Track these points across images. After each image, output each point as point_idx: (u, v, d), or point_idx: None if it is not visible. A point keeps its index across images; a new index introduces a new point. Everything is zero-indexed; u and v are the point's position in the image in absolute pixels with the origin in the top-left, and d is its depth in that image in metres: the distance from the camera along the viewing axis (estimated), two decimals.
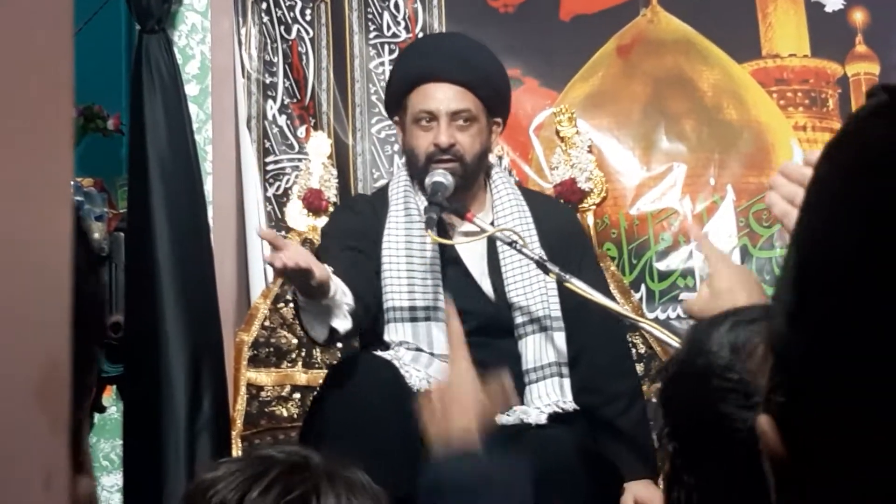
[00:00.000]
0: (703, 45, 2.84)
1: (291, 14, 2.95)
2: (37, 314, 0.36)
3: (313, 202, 2.79)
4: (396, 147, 2.78)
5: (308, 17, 2.95)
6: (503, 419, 1.91)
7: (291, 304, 2.66)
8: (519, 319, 2.10)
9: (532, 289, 2.09)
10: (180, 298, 2.56)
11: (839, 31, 2.81)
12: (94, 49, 2.87)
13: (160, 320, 2.54)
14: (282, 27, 2.94)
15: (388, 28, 2.93)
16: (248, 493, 0.91)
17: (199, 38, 2.95)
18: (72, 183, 0.40)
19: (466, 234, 2.13)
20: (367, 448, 1.84)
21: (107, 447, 3.00)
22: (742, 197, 2.74)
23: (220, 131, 2.90)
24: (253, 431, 2.62)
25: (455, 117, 2.10)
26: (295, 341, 2.67)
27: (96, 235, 2.55)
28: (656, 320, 2.58)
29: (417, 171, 2.13)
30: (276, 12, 2.94)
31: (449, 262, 2.12)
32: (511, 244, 2.04)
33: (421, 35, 2.88)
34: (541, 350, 2.08)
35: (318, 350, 2.62)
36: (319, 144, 2.85)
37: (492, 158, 2.40)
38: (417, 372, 2.00)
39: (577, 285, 1.95)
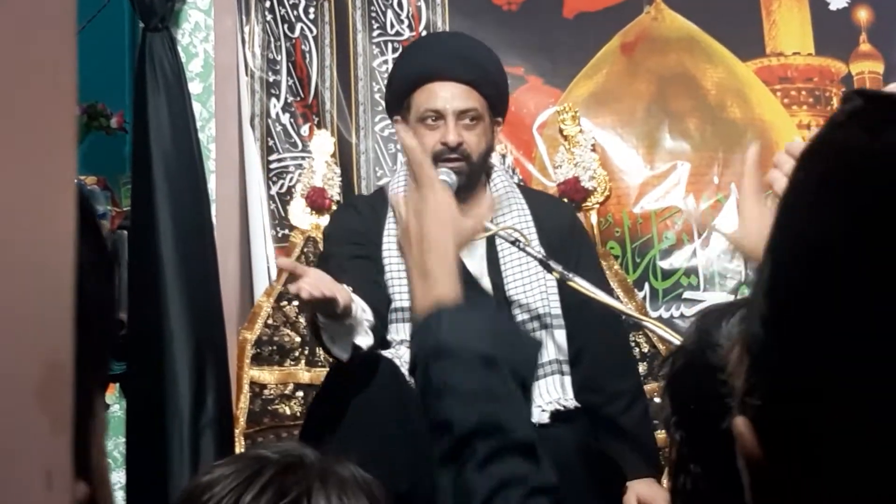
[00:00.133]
0: (707, 43, 2.84)
1: (295, 12, 2.95)
2: (39, 313, 0.36)
3: (316, 200, 2.79)
4: (399, 145, 2.78)
5: (311, 16, 2.95)
6: None
7: (295, 304, 2.67)
8: (519, 317, 2.10)
9: (532, 286, 2.09)
10: (183, 296, 2.56)
11: (843, 29, 2.80)
12: (97, 47, 2.87)
13: (163, 318, 2.54)
14: (285, 25, 2.94)
15: (392, 26, 2.93)
16: (241, 496, 0.91)
17: (202, 36, 2.95)
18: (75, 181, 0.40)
19: None
20: (367, 446, 1.84)
21: (110, 445, 3.01)
22: None
23: (224, 129, 2.90)
24: (256, 429, 2.62)
25: (462, 116, 2.09)
26: (298, 339, 2.67)
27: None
28: (660, 319, 2.57)
29: None
30: (280, 10, 2.94)
31: None
32: (514, 243, 2.03)
33: (424, 33, 2.88)
34: (541, 347, 2.08)
35: (320, 348, 2.62)
36: (323, 143, 2.86)
37: (495, 157, 2.40)
38: None
39: (580, 284, 1.94)
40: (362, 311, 1.88)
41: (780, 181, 1.18)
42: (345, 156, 2.88)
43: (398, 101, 2.20)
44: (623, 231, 2.77)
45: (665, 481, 2.09)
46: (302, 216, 2.82)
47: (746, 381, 0.57)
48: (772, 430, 0.55)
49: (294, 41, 2.94)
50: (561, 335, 2.10)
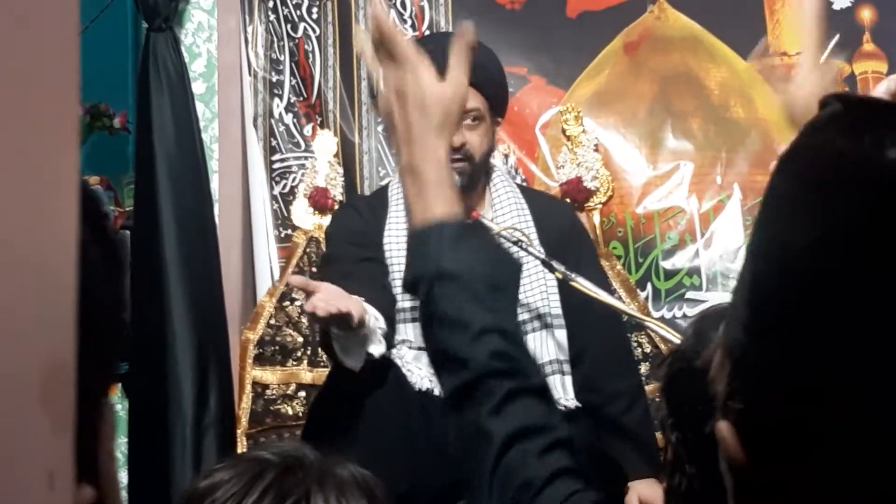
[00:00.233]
0: (711, 43, 2.84)
1: (298, 12, 2.95)
2: (41, 313, 0.36)
3: (319, 200, 2.79)
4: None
5: (314, 15, 2.95)
6: None
7: (298, 304, 2.67)
8: (519, 317, 2.10)
9: (532, 286, 2.09)
10: (186, 296, 2.56)
11: (847, 28, 2.80)
12: (100, 47, 2.87)
13: (166, 318, 2.54)
14: (288, 25, 2.94)
15: (395, 26, 2.93)
16: (241, 501, 0.91)
17: (205, 37, 2.95)
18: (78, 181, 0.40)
19: None
20: (367, 446, 1.84)
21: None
22: (749, 195, 2.74)
23: (227, 129, 2.90)
24: (258, 429, 2.62)
25: (464, 117, 2.09)
26: (300, 340, 2.67)
27: None
28: (662, 319, 2.57)
29: None
30: (283, 10, 2.94)
31: None
32: (516, 243, 2.03)
33: (428, 33, 2.87)
34: (542, 347, 2.08)
35: (327, 357, 2.62)
36: (326, 143, 2.85)
37: (498, 157, 2.40)
38: (419, 370, 2.00)
39: (583, 284, 1.94)
40: (375, 320, 1.88)
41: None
42: (348, 156, 2.87)
43: None
44: (626, 231, 2.77)
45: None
46: (305, 216, 2.82)
47: (728, 385, 0.57)
48: (754, 433, 0.55)
49: (297, 41, 2.94)
50: (561, 335, 2.10)
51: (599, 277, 2.21)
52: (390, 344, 1.95)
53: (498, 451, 0.92)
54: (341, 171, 2.84)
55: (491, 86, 2.15)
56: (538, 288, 2.09)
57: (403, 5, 2.93)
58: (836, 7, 2.78)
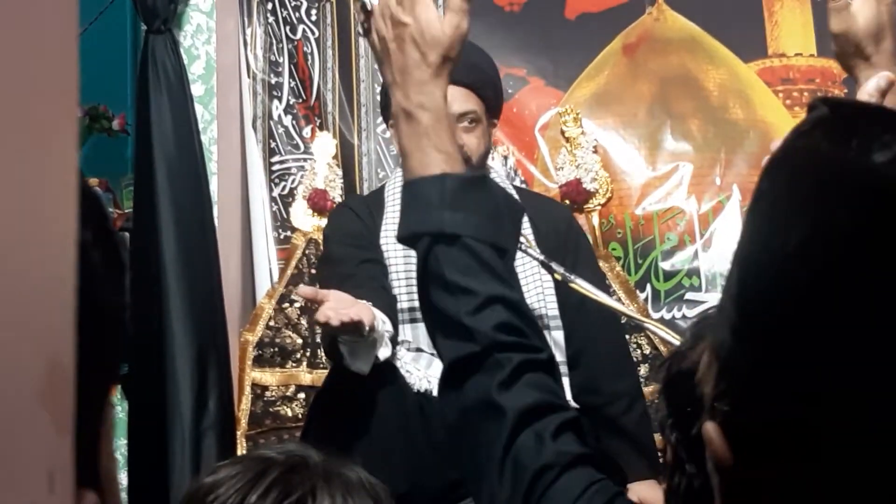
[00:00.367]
0: (710, 45, 2.84)
1: (297, 14, 2.95)
2: (41, 315, 0.36)
3: (318, 202, 2.79)
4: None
5: (313, 18, 2.95)
6: None
7: (297, 306, 2.67)
8: None
9: (528, 287, 2.09)
10: (185, 298, 2.56)
11: None
12: (99, 49, 2.88)
13: (165, 320, 2.54)
14: (287, 27, 2.94)
15: None
16: (246, 496, 0.91)
17: (204, 39, 2.95)
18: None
19: None
20: (366, 446, 1.84)
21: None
22: (748, 196, 2.72)
23: (226, 131, 2.90)
24: (258, 431, 2.62)
25: (461, 119, 2.09)
26: (300, 341, 2.67)
27: None
28: (661, 320, 2.57)
29: None
30: (282, 12, 2.94)
31: None
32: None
33: None
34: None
35: (322, 350, 2.62)
36: (325, 144, 2.86)
37: (498, 159, 2.40)
38: (418, 371, 2.00)
39: (582, 285, 1.94)
40: (382, 324, 1.88)
41: None
42: (347, 157, 2.88)
43: None
44: (625, 232, 2.77)
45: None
46: (304, 218, 2.82)
47: (715, 386, 0.58)
48: (740, 434, 0.56)
49: (296, 43, 2.94)
50: (559, 337, 2.10)
51: (596, 279, 2.21)
52: (394, 346, 1.96)
53: (512, 427, 0.90)
54: (340, 172, 2.84)
55: (487, 88, 2.15)
56: (535, 289, 2.09)
57: None
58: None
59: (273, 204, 2.88)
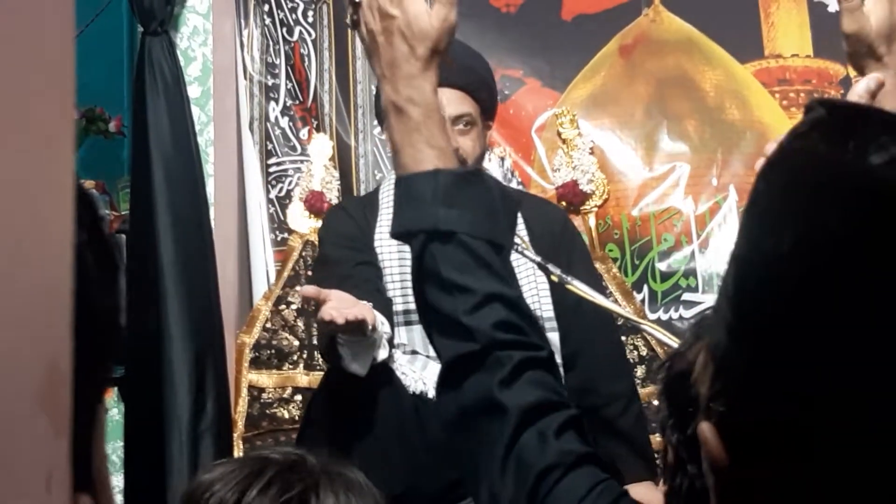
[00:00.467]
0: (706, 45, 2.84)
1: (293, 16, 2.95)
2: (38, 317, 0.36)
3: (315, 204, 2.79)
4: None
5: (310, 19, 2.95)
6: None
7: (294, 308, 2.67)
8: None
9: (523, 289, 2.08)
10: (182, 300, 2.56)
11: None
12: (96, 51, 2.88)
13: (162, 322, 2.54)
14: (284, 29, 2.94)
15: None
16: (246, 491, 0.91)
17: (200, 40, 2.95)
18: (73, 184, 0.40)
19: None
20: (362, 448, 1.84)
21: (108, 449, 3.00)
22: (745, 197, 2.73)
23: (222, 133, 2.90)
24: (254, 433, 2.62)
25: (456, 121, 2.09)
26: (296, 343, 2.67)
27: None
28: (658, 321, 2.57)
29: None
30: (279, 14, 2.94)
31: None
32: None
33: None
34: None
35: (324, 361, 2.62)
36: (321, 146, 2.85)
37: (495, 160, 2.40)
38: (413, 373, 2.00)
39: (579, 287, 1.94)
40: (381, 325, 1.88)
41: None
42: (344, 159, 2.87)
43: None
44: (622, 233, 2.77)
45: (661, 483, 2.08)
46: (300, 220, 2.82)
47: (711, 386, 0.58)
48: (736, 434, 0.56)
49: (293, 45, 2.94)
50: (554, 338, 2.10)
51: (592, 279, 2.21)
52: (391, 348, 1.96)
53: (514, 426, 0.89)
54: (337, 174, 2.84)
55: (481, 90, 2.15)
56: (530, 291, 2.09)
57: None
58: (831, 10, 2.79)
59: (270, 206, 2.88)
